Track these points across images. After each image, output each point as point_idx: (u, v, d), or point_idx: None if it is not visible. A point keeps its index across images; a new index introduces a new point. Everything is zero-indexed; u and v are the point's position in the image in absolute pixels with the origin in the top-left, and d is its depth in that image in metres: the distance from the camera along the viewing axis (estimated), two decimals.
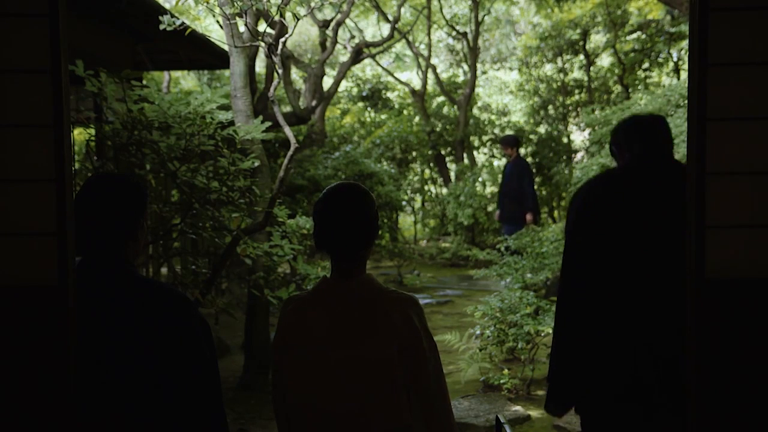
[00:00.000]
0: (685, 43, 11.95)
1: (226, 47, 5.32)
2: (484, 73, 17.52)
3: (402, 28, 13.66)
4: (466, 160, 13.58)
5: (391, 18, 12.39)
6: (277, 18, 4.36)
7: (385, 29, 14.05)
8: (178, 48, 7.13)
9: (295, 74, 13.20)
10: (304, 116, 9.54)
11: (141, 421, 2.04)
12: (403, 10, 13.35)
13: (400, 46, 16.80)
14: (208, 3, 4.41)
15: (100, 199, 2.13)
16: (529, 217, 8.99)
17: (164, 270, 6.69)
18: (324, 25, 10.37)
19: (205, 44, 7.05)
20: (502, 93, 16.83)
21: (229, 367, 5.79)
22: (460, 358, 5.38)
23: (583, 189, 2.83)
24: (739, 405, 2.04)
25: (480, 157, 14.55)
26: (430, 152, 13.81)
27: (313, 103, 9.90)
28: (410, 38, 14.24)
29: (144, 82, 7.96)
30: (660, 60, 12.76)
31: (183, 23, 4.39)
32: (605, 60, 14.06)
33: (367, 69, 15.93)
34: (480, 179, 12.26)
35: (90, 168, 4.51)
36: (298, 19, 4.32)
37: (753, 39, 1.99)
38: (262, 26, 5.28)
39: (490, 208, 11.69)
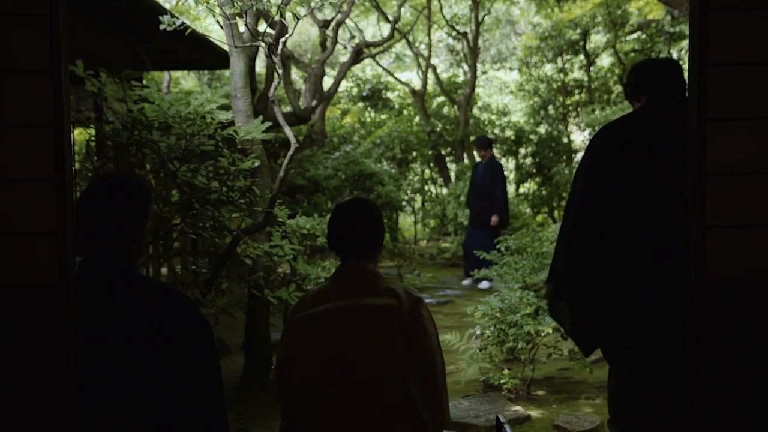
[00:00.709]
0: (685, 43, 11.96)
1: (226, 47, 5.31)
2: (484, 73, 17.52)
3: (402, 28, 13.66)
4: (466, 160, 13.57)
5: (391, 18, 12.39)
6: (277, 18, 4.36)
7: (385, 29, 14.06)
8: (178, 48, 7.12)
9: (295, 74, 13.20)
10: (304, 116, 9.53)
11: (143, 420, 2.04)
12: (403, 10, 13.35)
13: (400, 46, 16.80)
14: (208, 3, 4.41)
15: (103, 200, 2.13)
16: (494, 218, 8.87)
17: (164, 270, 6.68)
18: (324, 25, 10.36)
19: (205, 44, 7.04)
20: (502, 93, 16.82)
21: (229, 367, 5.78)
22: (460, 358, 5.38)
23: (602, 132, 2.89)
24: (739, 404, 2.04)
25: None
26: (430, 152, 13.81)
27: (313, 103, 9.90)
28: (410, 38, 14.24)
29: (144, 82, 7.95)
30: None
31: (183, 23, 4.39)
32: (605, 60, 14.06)
33: (367, 69, 15.92)
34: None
35: (90, 168, 4.51)
36: (298, 19, 4.32)
37: (753, 39, 1.99)
38: (262, 26, 5.28)
39: None
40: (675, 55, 12.54)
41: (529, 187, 13.69)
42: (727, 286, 2.02)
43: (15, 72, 1.94)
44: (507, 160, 14.17)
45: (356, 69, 14.94)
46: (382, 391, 2.30)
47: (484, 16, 14.50)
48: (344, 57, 13.39)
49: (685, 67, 2.33)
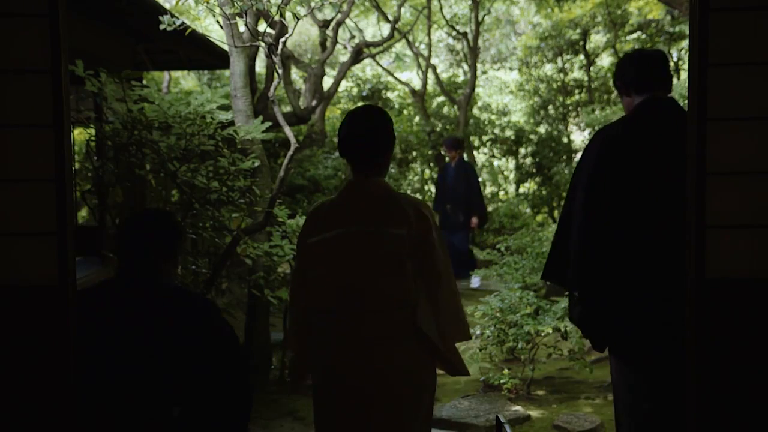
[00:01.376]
0: (685, 43, 11.95)
1: (226, 47, 5.31)
2: (484, 73, 17.50)
3: (402, 28, 13.65)
4: (466, 160, 13.57)
5: (391, 18, 12.38)
6: (277, 18, 4.36)
7: (385, 29, 14.04)
8: (178, 48, 7.11)
9: (295, 74, 13.19)
10: (304, 116, 9.53)
11: (165, 423, 2.12)
12: (403, 10, 13.34)
13: (400, 46, 16.77)
14: (208, 3, 4.40)
15: (144, 230, 2.43)
16: (474, 220, 8.72)
17: None
18: (324, 25, 10.36)
19: (205, 44, 7.04)
20: (502, 93, 16.80)
21: None
22: None
23: (600, 133, 2.90)
24: (739, 404, 2.04)
25: (480, 157, 14.53)
26: (430, 152, 13.80)
27: (313, 103, 9.89)
28: (410, 38, 14.23)
29: (144, 82, 7.94)
30: None
31: (183, 23, 4.39)
32: (605, 60, 14.05)
33: (367, 69, 15.90)
34: (480, 179, 12.26)
35: (90, 168, 4.51)
36: (298, 19, 4.32)
37: (753, 39, 1.99)
38: (262, 26, 5.27)
39: (490, 208, 11.67)
40: (675, 55, 12.53)
41: (529, 187, 13.68)
42: (727, 286, 2.02)
43: (15, 72, 1.94)
44: (507, 160, 14.16)
45: (356, 69, 14.92)
46: (392, 316, 2.43)
47: (484, 16, 14.49)
48: (344, 57, 13.38)
49: (685, 67, 2.34)
